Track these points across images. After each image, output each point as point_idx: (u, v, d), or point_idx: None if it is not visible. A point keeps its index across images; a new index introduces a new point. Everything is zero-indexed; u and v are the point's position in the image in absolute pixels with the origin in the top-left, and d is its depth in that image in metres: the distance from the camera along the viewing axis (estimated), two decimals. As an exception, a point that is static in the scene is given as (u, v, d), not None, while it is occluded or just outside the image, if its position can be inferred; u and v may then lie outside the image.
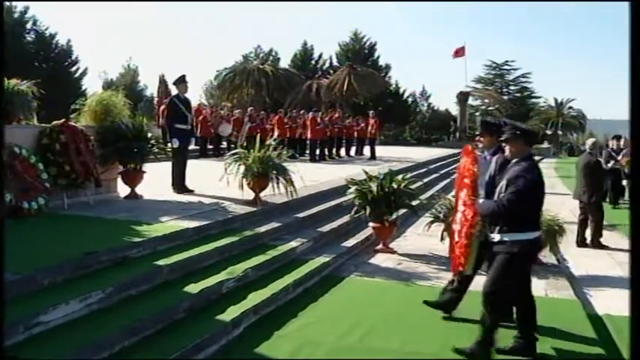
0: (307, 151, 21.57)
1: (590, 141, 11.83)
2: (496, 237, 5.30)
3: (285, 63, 55.67)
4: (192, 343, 4.89)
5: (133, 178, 9.32)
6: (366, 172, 9.72)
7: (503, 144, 5.45)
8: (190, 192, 9.89)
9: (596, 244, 10.70)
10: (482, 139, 6.59)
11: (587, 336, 5.98)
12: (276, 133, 19.00)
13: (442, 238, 8.87)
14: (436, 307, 6.30)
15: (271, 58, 56.68)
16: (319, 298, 6.83)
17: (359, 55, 54.52)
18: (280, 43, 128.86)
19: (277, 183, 9.06)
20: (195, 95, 56.81)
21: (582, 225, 10.90)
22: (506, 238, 5.20)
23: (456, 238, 5.84)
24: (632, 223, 3.97)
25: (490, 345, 5.24)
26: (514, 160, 5.26)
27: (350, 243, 9.22)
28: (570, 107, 62.19)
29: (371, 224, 9.42)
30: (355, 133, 24.85)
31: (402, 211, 10.03)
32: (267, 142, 9.38)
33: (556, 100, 61.64)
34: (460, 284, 6.12)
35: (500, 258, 5.21)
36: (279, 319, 5.99)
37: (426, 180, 16.85)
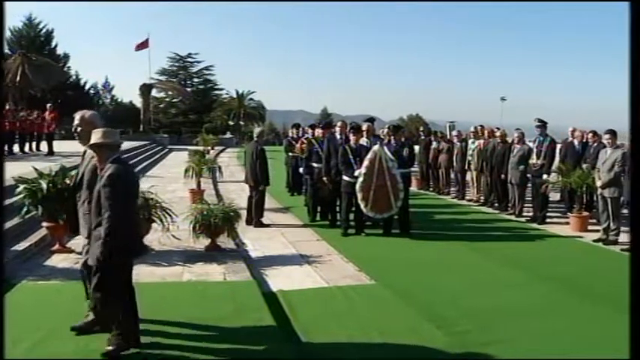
0: (-26, 150, 19.44)
1: (256, 130, 12.80)
2: None
3: (-62, 48, 49.38)
4: None
5: None
6: (36, 169, 9.14)
7: None
8: None
9: (258, 223, 11.72)
10: None
11: (261, 313, 6.30)
12: None
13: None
14: None
15: None
16: (-14, 309, 6.19)
17: (34, 43, 50.58)
18: None
19: None
20: None
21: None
22: None
23: None
24: (633, 223, 4.11)
25: None
26: None
27: (22, 246, 8.58)
28: (251, 99, 65.50)
29: (44, 224, 8.84)
30: (31, 128, 23.00)
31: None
32: None
33: (237, 92, 64.40)
34: None
35: None
36: None
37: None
